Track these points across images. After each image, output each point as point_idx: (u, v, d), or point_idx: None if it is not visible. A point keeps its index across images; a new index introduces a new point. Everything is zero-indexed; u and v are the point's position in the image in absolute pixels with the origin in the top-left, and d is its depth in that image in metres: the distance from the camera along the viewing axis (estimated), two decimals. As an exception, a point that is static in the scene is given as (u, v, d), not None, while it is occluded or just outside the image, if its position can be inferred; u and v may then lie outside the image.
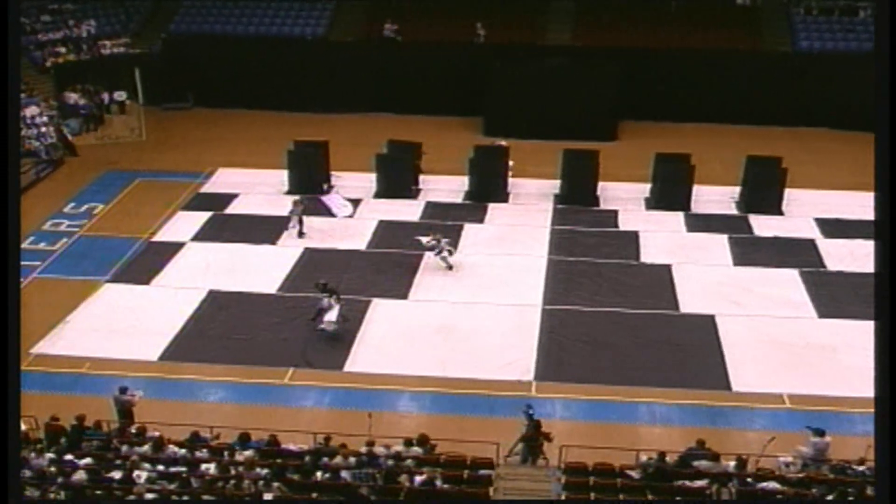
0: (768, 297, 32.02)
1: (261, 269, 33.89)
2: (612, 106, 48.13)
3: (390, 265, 34.23)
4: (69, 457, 21.23)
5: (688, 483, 20.96)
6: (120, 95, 52.69)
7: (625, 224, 37.98)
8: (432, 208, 39.27)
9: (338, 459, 21.59)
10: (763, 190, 38.83)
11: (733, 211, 39.21)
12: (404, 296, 32.15)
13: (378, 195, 40.10)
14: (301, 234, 36.16)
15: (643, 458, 22.07)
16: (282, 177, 41.16)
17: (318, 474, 20.95)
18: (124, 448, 21.96)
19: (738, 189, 40.10)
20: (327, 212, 38.34)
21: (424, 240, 33.65)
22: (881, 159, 18.71)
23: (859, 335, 28.72)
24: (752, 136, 46.14)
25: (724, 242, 36.19)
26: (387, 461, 21.49)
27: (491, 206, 39.50)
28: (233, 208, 39.42)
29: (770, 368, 27.95)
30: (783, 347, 29.06)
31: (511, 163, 41.11)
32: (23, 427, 22.26)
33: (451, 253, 33.52)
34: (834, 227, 37.12)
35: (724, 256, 35.19)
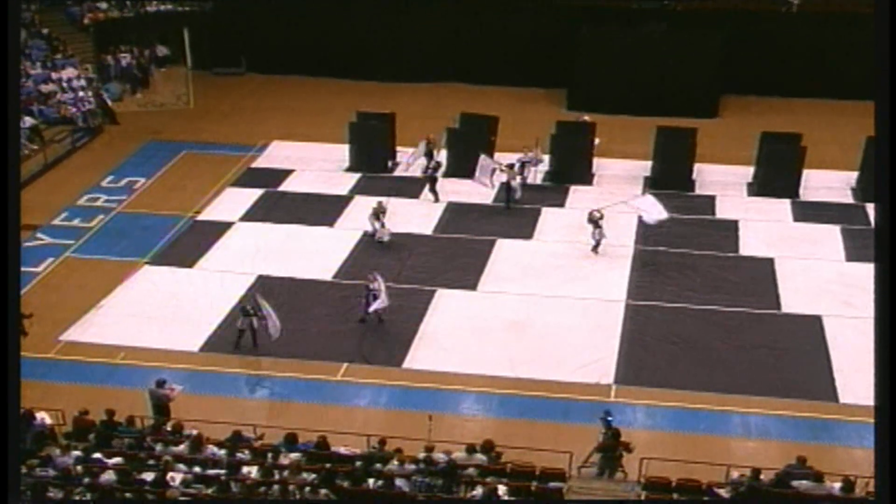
0: (885, 298, 31.58)
1: (316, 254, 34.22)
2: (713, 78, 47.85)
3: (459, 252, 34.38)
4: (97, 455, 21.49)
5: (785, 506, 20.84)
6: (161, 51, 53.68)
7: (723, 212, 37.74)
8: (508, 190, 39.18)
9: (393, 465, 21.69)
10: (885, 175, 38.22)
11: (849, 199, 38.80)
12: (473, 286, 32.26)
13: (448, 174, 40.16)
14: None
15: (734, 475, 21.92)
16: (342, 152, 41.51)
17: (371, 481, 21.03)
18: (158, 447, 22.26)
19: (855, 174, 39.67)
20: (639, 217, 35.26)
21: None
22: (881, 154, 18.54)
23: None
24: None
25: (836, 234, 35.80)
26: (447, 469, 21.51)
27: (573, 188, 39.52)
28: (287, 185, 39.86)
29: (884, 378, 27.57)
30: (901, 355, 28.68)
31: (597, 140, 40.94)
32: (49, 421, 22.84)
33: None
34: (967, 220, 36.31)
35: (836, 250, 34.80)
